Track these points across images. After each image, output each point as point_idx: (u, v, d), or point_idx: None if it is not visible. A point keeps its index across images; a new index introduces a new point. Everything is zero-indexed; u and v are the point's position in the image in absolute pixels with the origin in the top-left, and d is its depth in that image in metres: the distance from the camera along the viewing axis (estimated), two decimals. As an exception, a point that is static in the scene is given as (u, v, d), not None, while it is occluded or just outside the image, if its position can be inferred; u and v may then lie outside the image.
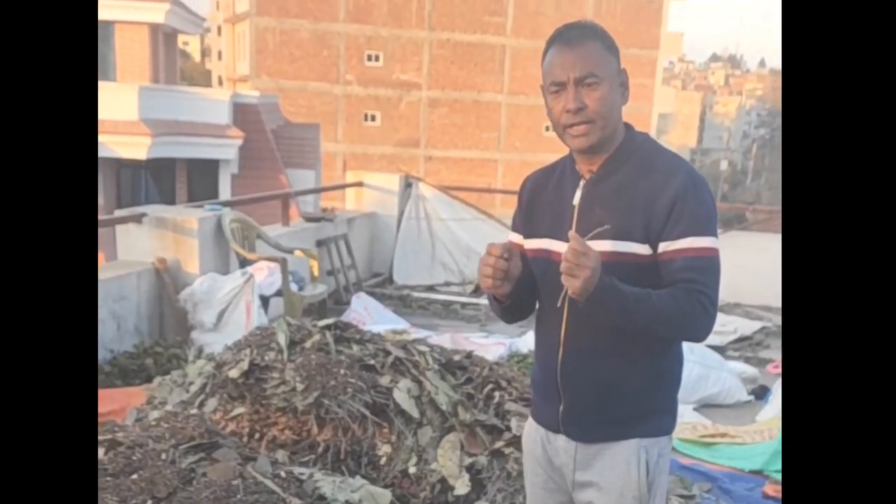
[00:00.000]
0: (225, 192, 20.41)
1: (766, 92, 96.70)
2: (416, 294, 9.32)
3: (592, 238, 2.06)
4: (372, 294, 8.82)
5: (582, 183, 2.25)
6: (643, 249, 2.15)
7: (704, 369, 6.25)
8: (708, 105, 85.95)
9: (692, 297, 2.08)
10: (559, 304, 2.19)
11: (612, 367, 2.23)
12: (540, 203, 2.36)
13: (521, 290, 2.29)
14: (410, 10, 37.56)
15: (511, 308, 2.36)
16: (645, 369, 2.26)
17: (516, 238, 2.41)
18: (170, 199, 19.15)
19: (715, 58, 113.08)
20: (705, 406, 6.18)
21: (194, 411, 4.01)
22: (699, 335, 2.17)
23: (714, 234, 2.16)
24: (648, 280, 2.13)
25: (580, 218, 2.21)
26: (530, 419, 2.52)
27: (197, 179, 20.86)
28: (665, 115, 47.55)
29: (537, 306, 2.41)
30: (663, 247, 2.14)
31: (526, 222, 2.39)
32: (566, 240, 2.16)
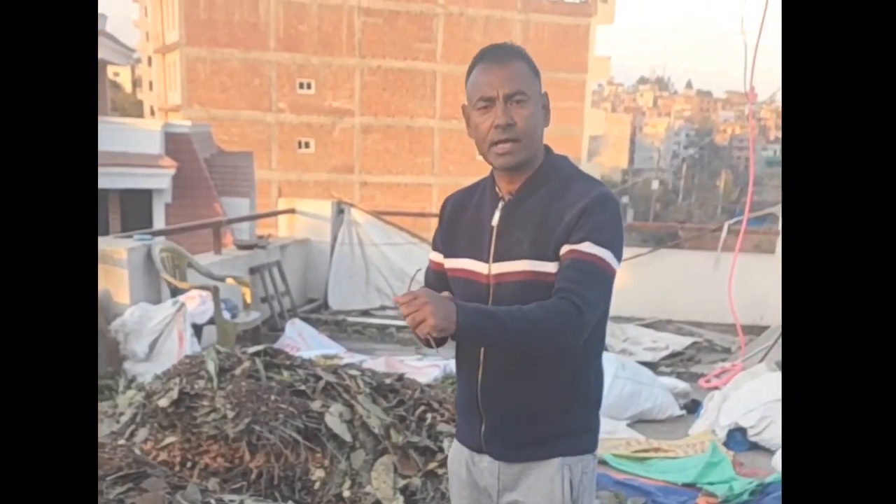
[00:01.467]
0: (159, 221, 20.22)
1: (694, 112, 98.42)
2: (351, 319, 9.30)
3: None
4: (307, 320, 8.78)
5: (501, 204, 2.26)
6: (556, 269, 2.15)
7: (636, 386, 6.32)
8: (638, 126, 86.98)
9: (565, 299, 2.06)
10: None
11: (531, 386, 2.25)
12: (460, 223, 2.36)
13: None
14: (340, 37, 37.61)
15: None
16: (564, 388, 2.27)
17: (436, 257, 2.42)
18: (103, 230, 18.84)
19: (643, 80, 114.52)
20: (639, 421, 6.24)
21: (123, 442, 3.98)
22: (572, 339, 2.10)
23: (611, 250, 2.15)
24: None
25: (498, 238, 2.23)
26: (455, 441, 2.53)
27: (130, 210, 20.61)
28: (596, 137, 48.10)
29: None
30: (561, 250, 2.14)
31: (446, 242, 2.39)
32: (485, 260, 2.23)
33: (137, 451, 3.75)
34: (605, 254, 2.14)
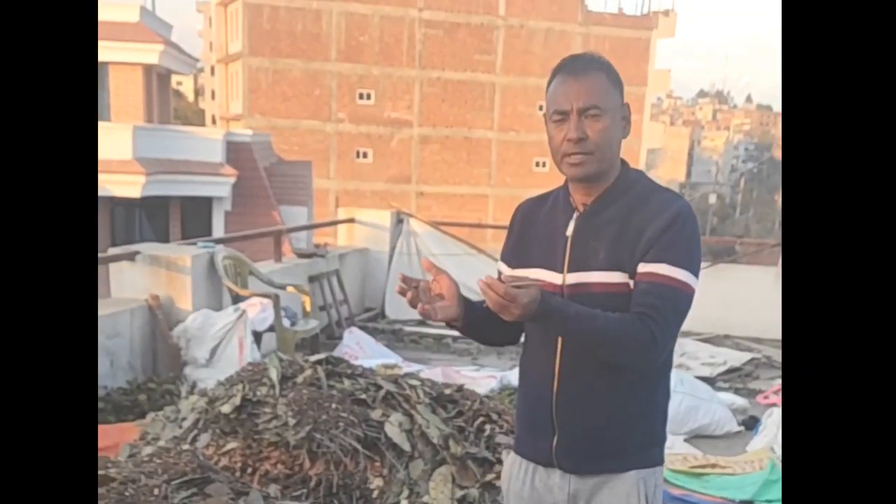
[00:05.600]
0: (218, 229, 20.48)
1: (754, 127, 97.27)
2: (407, 328, 9.32)
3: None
4: (364, 329, 8.82)
5: (575, 215, 2.25)
6: (631, 281, 2.15)
7: (695, 401, 6.27)
8: (696, 140, 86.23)
9: (643, 323, 2.08)
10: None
11: (609, 399, 2.22)
12: (531, 233, 2.35)
13: (482, 319, 2.29)
14: (401, 49, 37.87)
15: (469, 331, 2.36)
16: (640, 400, 2.26)
17: (504, 268, 2.40)
18: (163, 237, 19.20)
19: (702, 94, 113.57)
20: (696, 437, 6.19)
21: (187, 447, 4.03)
22: (640, 361, 2.16)
23: (690, 270, 2.14)
24: None
25: (573, 249, 2.21)
26: (512, 456, 2.47)
27: (191, 217, 20.94)
28: (654, 150, 47.80)
29: (523, 338, 2.39)
30: (638, 269, 2.14)
31: (516, 252, 2.39)
32: (559, 270, 2.22)
33: (200, 457, 3.79)
34: (683, 274, 2.13)
